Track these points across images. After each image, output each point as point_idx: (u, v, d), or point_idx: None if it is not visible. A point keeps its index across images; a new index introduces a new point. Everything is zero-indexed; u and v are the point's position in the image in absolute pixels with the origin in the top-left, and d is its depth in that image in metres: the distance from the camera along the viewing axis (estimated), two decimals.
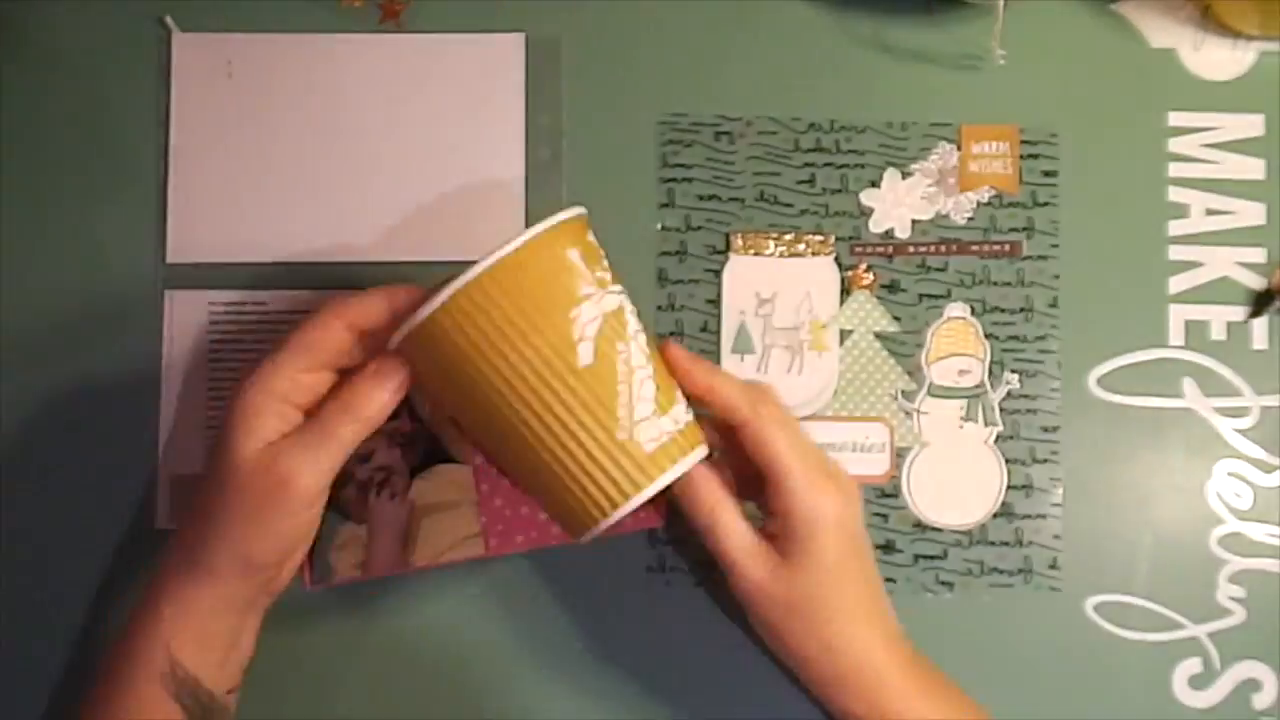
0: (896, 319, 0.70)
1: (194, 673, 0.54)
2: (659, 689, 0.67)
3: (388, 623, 0.68)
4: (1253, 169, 0.71)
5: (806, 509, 0.54)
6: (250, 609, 0.56)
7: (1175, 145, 0.71)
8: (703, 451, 0.56)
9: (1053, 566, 0.68)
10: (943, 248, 0.70)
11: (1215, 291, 0.70)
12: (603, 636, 0.68)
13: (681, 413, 0.56)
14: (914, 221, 0.70)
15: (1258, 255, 0.70)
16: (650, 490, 0.53)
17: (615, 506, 0.53)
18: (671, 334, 0.70)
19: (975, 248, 0.70)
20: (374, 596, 0.68)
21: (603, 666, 0.67)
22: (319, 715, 0.67)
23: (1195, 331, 0.70)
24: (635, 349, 0.54)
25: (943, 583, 0.68)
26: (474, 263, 0.52)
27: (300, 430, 0.52)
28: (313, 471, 0.51)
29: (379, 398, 0.52)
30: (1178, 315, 0.70)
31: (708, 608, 0.68)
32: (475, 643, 0.67)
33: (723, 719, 0.67)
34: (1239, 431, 0.69)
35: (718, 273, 0.70)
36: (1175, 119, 0.71)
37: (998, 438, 0.69)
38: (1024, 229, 0.70)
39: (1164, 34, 0.72)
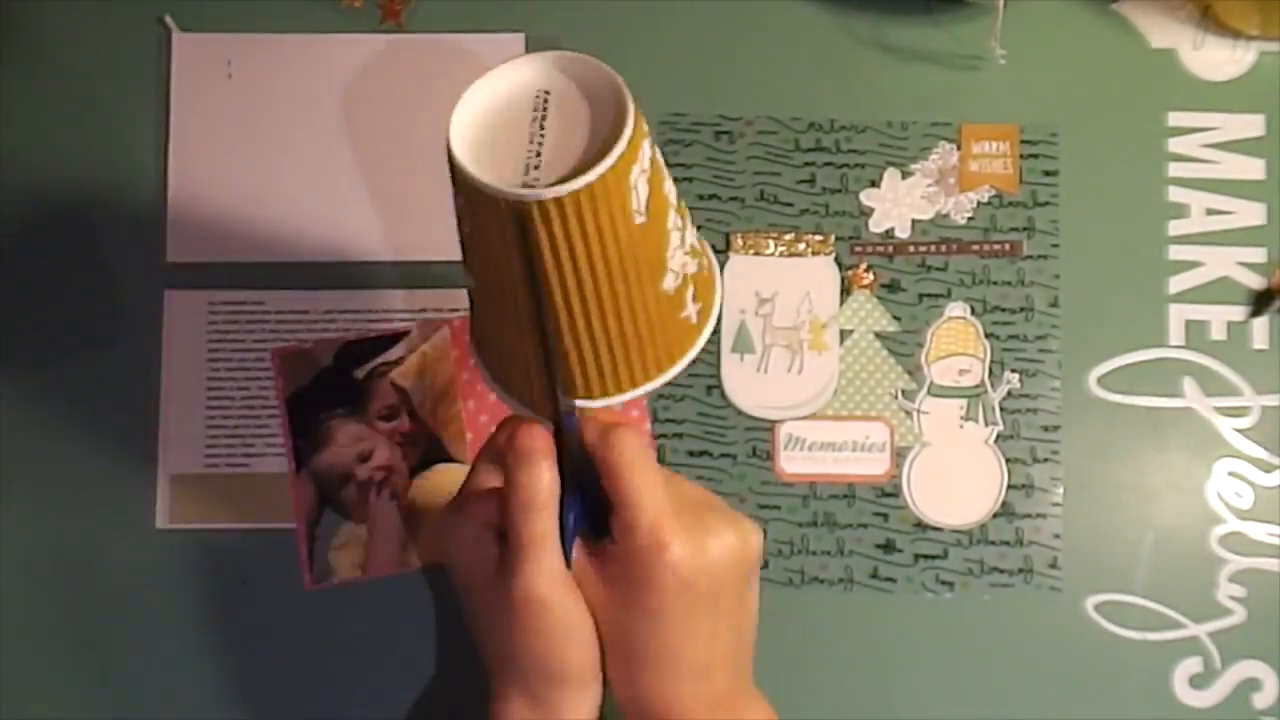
0: (896, 318, 0.70)
1: None
2: None
3: (387, 622, 0.67)
4: (1253, 169, 0.71)
5: (642, 548, 0.49)
6: None
7: (1175, 145, 0.71)
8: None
9: (1053, 566, 0.68)
10: (943, 247, 0.70)
11: (1215, 291, 0.70)
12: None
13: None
14: (914, 221, 0.70)
15: (1258, 255, 0.70)
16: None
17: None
18: None
19: (975, 247, 0.70)
20: (374, 596, 0.67)
21: None
22: (318, 715, 0.67)
23: (1195, 331, 0.70)
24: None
25: (943, 582, 0.68)
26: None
27: (502, 552, 0.50)
28: (535, 582, 0.49)
29: (543, 478, 0.49)
30: (1178, 315, 0.70)
31: None
32: None
33: None
34: (1239, 431, 0.69)
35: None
36: (1175, 119, 0.71)
37: (998, 437, 0.69)
38: (1024, 228, 0.70)
39: (1164, 34, 0.72)
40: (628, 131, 0.44)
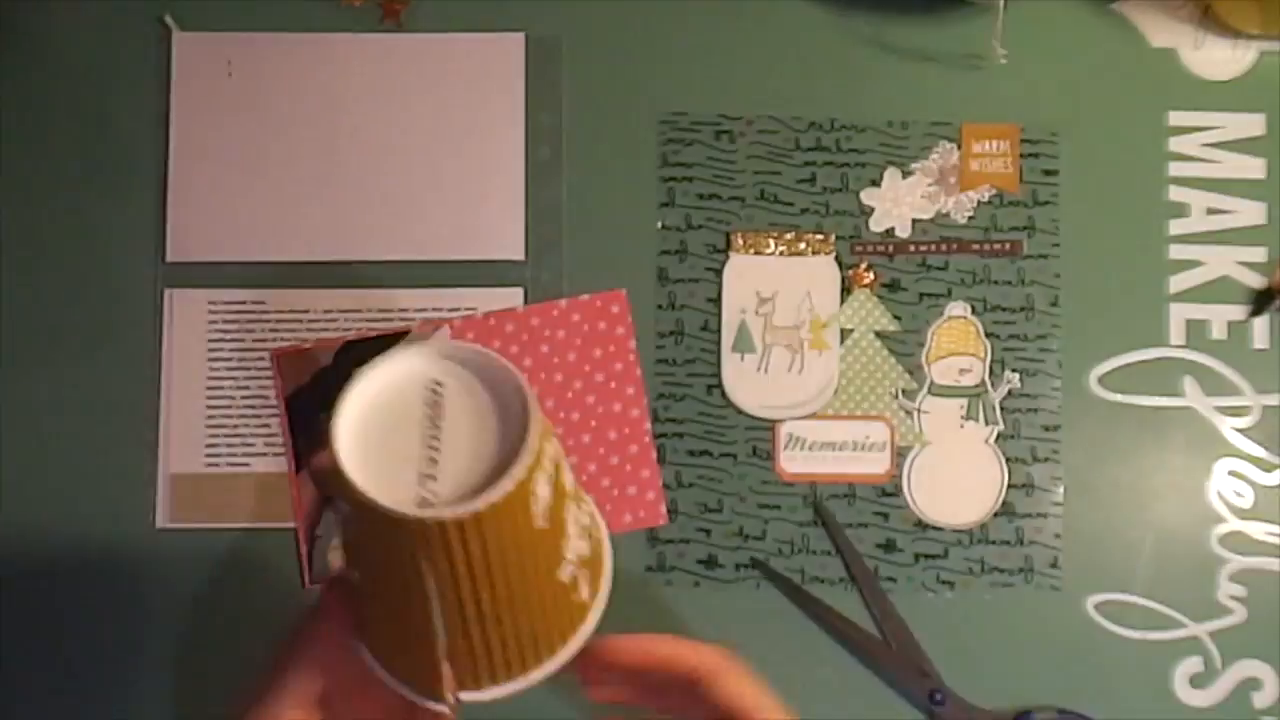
0: (897, 318, 0.70)
1: None
2: None
3: None
4: (1253, 168, 0.71)
5: None
6: None
7: (1176, 144, 0.71)
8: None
9: (1053, 565, 0.68)
10: (943, 246, 0.70)
11: (1215, 290, 0.70)
12: (601, 636, 0.67)
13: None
14: (914, 220, 0.70)
15: (1258, 254, 0.70)
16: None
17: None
18: (672, 333, 0.70)
19: (976, 246, 0.70)
20: None
21: None
22: None
23: (1195, 330, 0.70)
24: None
25: (943, 582, 0.68)
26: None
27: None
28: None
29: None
30: (1178, 314, 0.70)
31: (707, 608, 0.68)
32: None
33: None
34: (1239, 430, 0.69)
35: (718, 271, 0.70)
36: (1175, 118, 0.71)
37: (998, 437, 0.69)
38: (1024, 228, 0.70)
39: (1164, 33, 0.72)
40: (530, 444, 0.41)
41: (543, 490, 0.43)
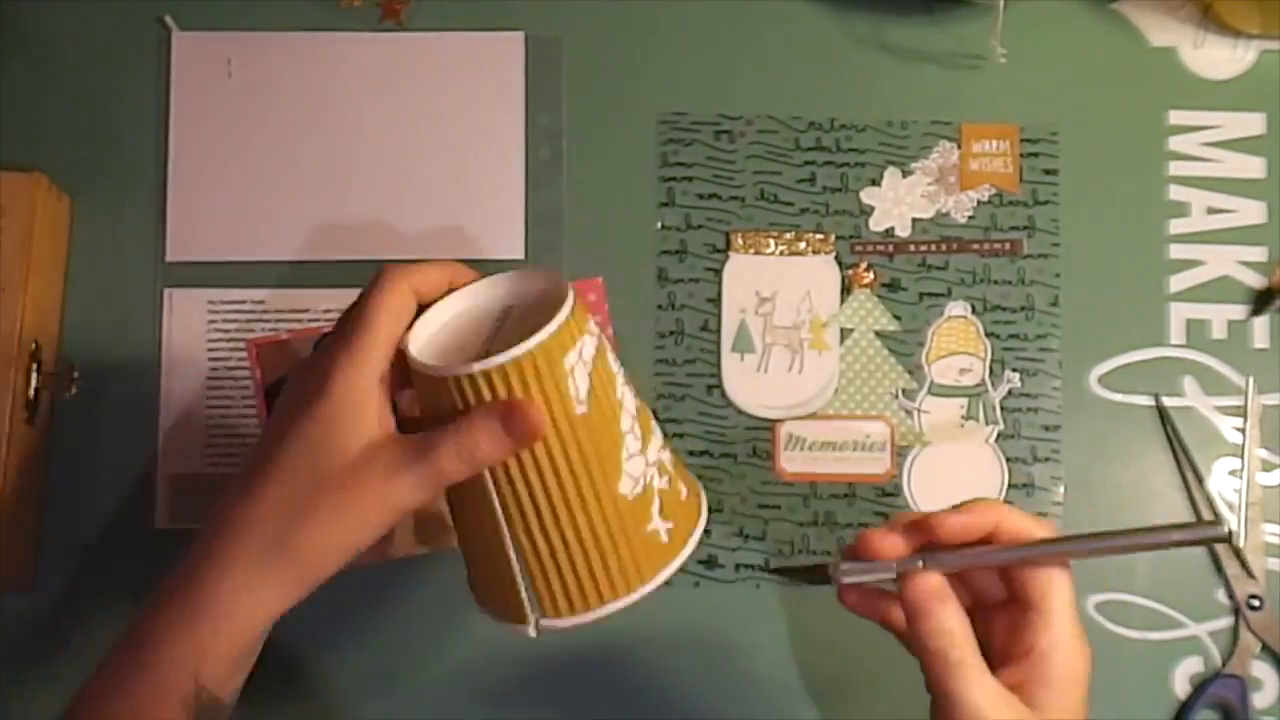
0: (897, 317, 0.70)
1: (217, 695, 0.51)
2: (658, 689, 0.67)
3: (386, 615, 0.68)
4: (1253, 168, 0.71)
5: (1073, 660, 0.49)
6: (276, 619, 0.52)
7: (1176, 144, 0.71)
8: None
9: None
10: (943, 246, 0.70)
11: (1216, 290, 0.70)
12: (601, 636, 0.67)
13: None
14: (914, 220, 0.70)
15: (1258, 254, 0.70)
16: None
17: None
18: (672, 333, 0.70)
19: (976, 246, 0.70)
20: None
21: (601, 666, 0.67)
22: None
23: (1196, 330, 0.70)
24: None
25: None
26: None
27: (406, 451, 0.48)
28: (408, 495, 0.48)
29: (499, 450, 0.47)
30: (1178, 314, 0.70)
31: (707, 608, 0.68)
32: (472, 642, 0.67)
33: (722, 719, 0.67)
34: (1239, 430, 0.69)
35: (718, 271, 0.70)
36: (1176, 117, 0.71)
37: (999, 436, 0.69)
38: (1024, 227, 0.70)
39: (1164, 33, 0.72)
40: (560, 316, 0.46)
41: (580, 377, 0.47)
